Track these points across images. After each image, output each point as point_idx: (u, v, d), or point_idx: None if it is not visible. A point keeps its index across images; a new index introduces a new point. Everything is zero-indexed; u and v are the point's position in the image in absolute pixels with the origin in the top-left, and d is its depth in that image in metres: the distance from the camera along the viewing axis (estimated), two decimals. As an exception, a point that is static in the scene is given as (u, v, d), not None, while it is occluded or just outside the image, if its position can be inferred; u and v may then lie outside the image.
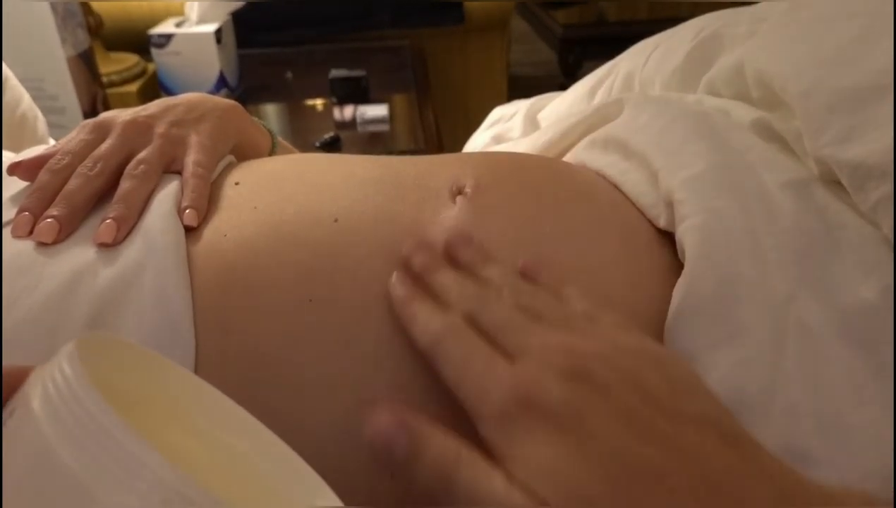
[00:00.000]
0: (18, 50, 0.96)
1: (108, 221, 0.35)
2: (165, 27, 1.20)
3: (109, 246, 0.34)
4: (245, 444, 0.27)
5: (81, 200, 0.36)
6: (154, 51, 1.19)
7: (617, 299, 0.35)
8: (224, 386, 0.31)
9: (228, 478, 0.26)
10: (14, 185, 0.39)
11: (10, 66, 0.70)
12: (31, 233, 0.35)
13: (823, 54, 0.38)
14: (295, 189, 0.38)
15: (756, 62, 0.42)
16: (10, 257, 0.34)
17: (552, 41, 2.28)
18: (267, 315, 0.32)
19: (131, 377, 0.25)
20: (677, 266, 0.36)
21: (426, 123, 1.19)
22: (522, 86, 2.25)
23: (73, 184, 0.37)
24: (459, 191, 0.38)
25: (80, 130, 0.40)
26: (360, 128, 1.16)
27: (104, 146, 0.39)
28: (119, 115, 0.41)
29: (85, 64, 1.08)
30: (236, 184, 0.40)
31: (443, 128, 1.25)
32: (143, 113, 0.42)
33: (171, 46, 1.18)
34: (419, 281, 0.32)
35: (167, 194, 0.37)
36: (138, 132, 0.40)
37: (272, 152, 0.52)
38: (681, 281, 0.34)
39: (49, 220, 0.35)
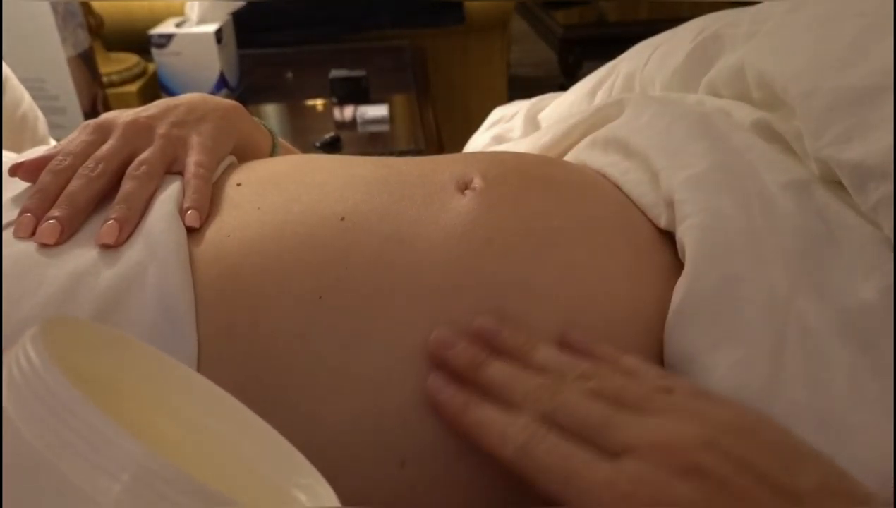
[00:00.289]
0: (19, 50, 0.96)
1: (109, 222, 0.35)
2: (166, 27, 1.20)
3: (111, 246, 0.34)
4: (227, 427, 0.27)
5: (83, 201, 0.36)
6: (154, 51, 1.19)
7: (621, 298, 0.35)
8: (228, 385, 0.31)
9: (211, 461, 0.26)
10: (15, 186, 0.39)
11: (10, 67, 0.70)
12: (33, 233, 0.35)
13: (824, 55, 0.38)
14: (298, 189, 0.38)
15: (757, 63, 0.42)
16: (13, 258, 0.34)
17: (552, 41, 2.28)
18: (274, 314, 0.32)
19: (107, 360, 0.25)
20: (678, 266, 0.36)
21: (426, 123, 1.19)
22: (522, 87, 2.25)
23: (74, 185, 0.37)
24: (466, 186, 0.38)
25: (81, 131, 0.40)
26: (360, 129, 1.16)
27: (105, 147, 0.39)
28: (120, 116, 0.41)
29: (85, 64, 1.08)
30: (238, 185, 0.40)
31: (443, 129, 1.25)
32: (144, 113, 0.42)
33: (172, 46, 1.18)
34: (463, 381, 0.30)
35: (169, 195, 0.37)
36: (139, 133, 0.40)
37: (273, 152, 0.52)
38: (681, 280, 0.34)
39: (51, 221, 0.35)
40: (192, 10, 1.21)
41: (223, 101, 0.46)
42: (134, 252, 0.34)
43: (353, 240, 0.34)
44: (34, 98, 0.74)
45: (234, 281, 0.33)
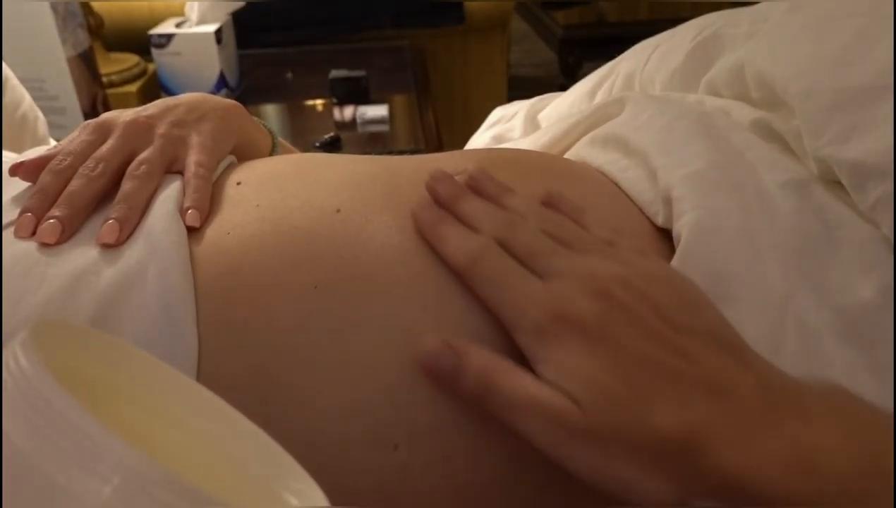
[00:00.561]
0: (19, 50, 0.96)
1: (110, 221, 0.35)
2: (166, 27, 1.20)
3: (112, 246, 0.35)
4: (219, 431, 0.27)
5: (83, 201, 0.36)
6: (154, 51, 1.19)
7: None
8: (227, 379, 0.31)
9: (202, 465, 0.26)
10: (16, 186, 0.39)
11: (10, 67, 0.70)
12: (33, 233, 0.35)
13: (823, 55, 0.38)
14: (296, 186, 0.38)
15: (756, 63, 0.42)
16: (13, 257, 0.34)
17: (552, 42, 2.28)
18: (272, 306, 0.33)
19: (98, 364, 0.25)
20: None
21: (426, 124, 1.19)
22: (522, 87, 2.25)
23: (74, 184, 0.37)
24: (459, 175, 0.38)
25: (81, 131, 0.40)
26: (360, 129, 1.16)
27: (105, 147, 0.39)
28: (120, 116, 0.41)
29: (85, 64, 1.09)
30: (238, 183, 0.40)
31: (443, 129, 1.25)
32: (144, 113, 0.42)
33: (172, 47, 1.18)
34: (445, 205, 0.34)
35: (169, 194, 0.37)
36: (139, 132, 0.40)
37: (273, 152, 0.52)
38: None
39: (51, 221, 0.35)
40: (192, 11, 1.21)
41: (223, 101, 0.46)
42: (134, 251, 0.34)
43: (349, 231, 0.35)
44: (34, 98, 0.74)
45: (234, 277, 0.34)
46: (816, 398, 0.26)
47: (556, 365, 0.27)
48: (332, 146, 1.10)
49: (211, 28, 1.18)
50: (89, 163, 0.38)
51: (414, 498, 0.31)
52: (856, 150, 0.34)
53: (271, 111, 1.28)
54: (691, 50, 0.50)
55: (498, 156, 0.41)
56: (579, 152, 0.47)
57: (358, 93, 1.22)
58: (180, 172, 0.40)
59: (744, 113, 0.44)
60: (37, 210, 0.36)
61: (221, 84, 1.21)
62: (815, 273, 0.34)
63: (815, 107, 0.36)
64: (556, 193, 0.36)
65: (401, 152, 1.09)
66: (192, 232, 0.36)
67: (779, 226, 0.35)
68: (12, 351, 0.20)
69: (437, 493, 0.31)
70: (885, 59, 0.35)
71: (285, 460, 0.26)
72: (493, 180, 0.36)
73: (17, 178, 0.39)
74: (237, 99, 0.98)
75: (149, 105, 0.43)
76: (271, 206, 0.37)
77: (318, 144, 1.09)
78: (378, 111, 1.16)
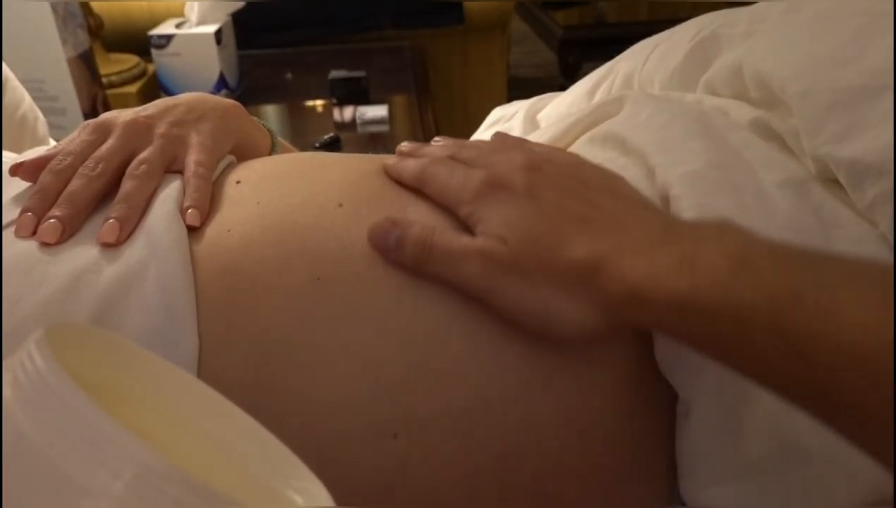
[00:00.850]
0: (19, 51, 0.96)
1: (110, 221, 0.35)
2: (165, 28, 1.20)
3: (112, 245, 0.35)
4: (224, 430, 0.27)
5: (84, 201, 0.37)
6: (154, 52, 1.19)
7: None
8: (228, 375, 0.31)
9: (207, 464, 0.26)
10: (16, 186, 0.39)
11: (10, 67, 0.70)
12: (34, 233, 0.35)
13: (821, 54, 0.38)
14: (297, 183, 0.38)
15: (754, 62, 0.42)
16: (14, 257, 0.34)
17: (552, 42, 2.28)
18: (274, 298, 0.33)
19: (107, 366, 0.25)
20: None
21: (426, 124, 1.19)
22: (522, 87, 2.25)
23: (75, 184, 0.37)
24: None
25: (81, 131, 0.41)
26: (359, 129, 1.16)
27: (105, 146, 0.39)
28: (120, 116, 0.41)
29: (85, 65, 1.09)
30: (238, 182, 0.40)
31: (443, 129, 1.25)
32: (144, 113, 0.42)
33: (172, 47, 1.18)
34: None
35: (169, 194, 0.37)
36: (139, 132, 0.40)
37: (272, 152, 0.52)
38: None
39: (52, 221, 0.35)
40: (192, 11, 1.21)
41: (222, 101, 0.46)
42: (135, 250, 0.34)
43: (351, 224, 0.35)
44: (34, 99, 0.74)
45: (235, 272, 0.34)
46: (709, 228, 0.29)
47: (488, 218, 0.32)
48: (332, 146, 1.10)
49: (211, 29, 1.18)
50: (89, 162, 0.38)
51: (412, 488, 0.32)
52: (853, 149, 0.34)
53: (271, 111, 1.28)
54: (690, 50, 0.50)
55: None
56: (578, 151, 0.47)
57: (358, 94, 1.22)
58: (180, 172, 0.40)
59: (742, 112, 0.44)
60: (37, 209, 0.36)
61: (221, 84, 1.21)
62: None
63: (812, 106, 0.36)
64: (503, 133, 0.41)
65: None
66: (193, 231, 0.36)
67: (777, 224, 0.35)
68: (27, 350, 0.20)
69: (436, 483, 0.32)
70: (883, 59, 0.35)
71: (289, 458, 0.26)
72: (449, 139, 0.41)
73: (17, 178, 0.39)
74: (237, 99, 0.98)
75: (148, 105, 0.43)
76: (272, 204, 0.37)
77: (317, 144, 1.09)
78: (378, 111, 1.17)
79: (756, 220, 0.35)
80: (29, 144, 0.70)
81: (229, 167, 0.43)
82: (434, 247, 0.32)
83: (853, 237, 0.35)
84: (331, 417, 0.32)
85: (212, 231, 0.36)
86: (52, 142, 0.72)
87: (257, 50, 1.44)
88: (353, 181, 0.38)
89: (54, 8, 0.99)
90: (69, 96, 1.06)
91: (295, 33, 1.52)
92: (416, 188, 0.37)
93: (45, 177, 0.38)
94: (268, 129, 0.52)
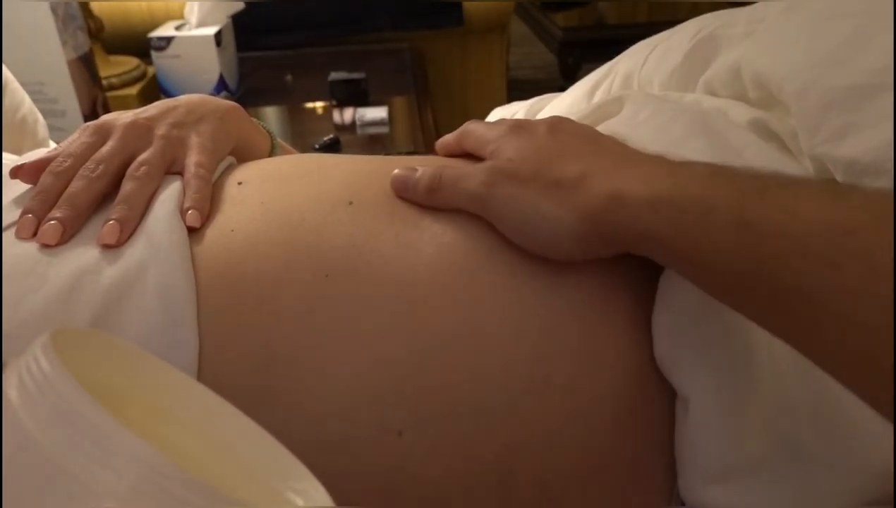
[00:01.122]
0: (19, 53, 0.96)
1: (110, 222, 0.35)
2: (165, 30, 1.21)
3: (112, 247, 0.35)
4: (224, 433, 0.27)
5: (84, 202, 0.37)
6: (154, 54, 1.19)
7: (619, 296, 0.36)
8: (230, 378, 0.32)
9: (209, 466, 0.26)
10: (16, 188, 0.39)
11: (10, 70, 0.70)
12: (34, 234, 0.35)
13: (819, 54, 0.38)
14: (301, 182, 0.38)
15: (753, 62, 0.42)
16: (14, 258, 0.34)
17: (552, 44, 2.28)
18: (281, 293, 0.33)
19: (110, 369, 0.26)
20: None
21: (426, 126, 1.19)
22: (522, 89, 2.25)
23: (75, 186, 0.37)
24: None
25: (81, 133, 0.41)
26: (359, 131, 1.16)
27: (105, 148, 0.39)
28: (120, 117, 0.41)
29: (85, 67, 1.09)
30: (239, 183, 0.40)
31: (442, 131, 1.25)
32: (144, 115, 0.42)
33: (171, 49, 1.18)
34: None
35: (169, 195, 0.37)
36: (139, 134, 0.40)
37: (272, 153, 0.52)
38: (665, 276, 0.35)
39: (52, 222, 0.35)
40: (192, 13, 1.21)
41: (222, 102, 0.46)
42: (136, 251, 0.34)
43: (362, 221, 0.36)
44: (34, 101, 0.74)
45: (239, 272, 0.34)
46: (649, 157, 0.34)
47: (505, 148, 0.37)
48: (332, 148, 1.10)
49: (210, 31, 1.18)
50: (89, 164, 0.38)
51: (415, 484, 0.32)
52: (851, 149, 0.34)
53: (271, 113, 1.28)
54: (689, 50, 0.50)
55: None
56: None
57: (357, 95, 1.23)
58: (180, 173, 0.40)
59: (741, 112, 0.44)
60: (38, 211, 0.36)
61: (221, 86, 1.21)
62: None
63: (810, 105, 0.36)
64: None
65: (400, 154, 1.09)
66: (193, 232, 0.36)
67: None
68: (32, 353, 0.21)
69: (439, 480, 0.32)
70: (881, 58, 0.35)
71: (289, 460, 0.27)
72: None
73: (17, 180, 0.39)
74: (237, 101, 0.98)
75: (148, 106, 0.43)
76: (277, 203, 0.37)
77: (317, 146, 1.09)
78: (377, 113, 1.17)
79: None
80: (29, 146, 0.70)
81: (230, 168, 0.43)
82: (444, 176, 0.36)
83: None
84: (336, 414, 0.32)
85: (214, 232, 0.36)
86: (53, 144, 0.72)
87: (257, 52, 1.45)
88: (362, 179, 0.39)
89: (54, 10, 0.99)
90: (69, 98, 1.06)
91: (295, 35, 1.52)
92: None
93: (45, 178, 0.38)
94: (268, 131, 0.52)
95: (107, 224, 0.35)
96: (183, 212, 0.36)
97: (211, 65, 1.19)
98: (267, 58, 1.46)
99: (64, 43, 1.02)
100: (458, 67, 1.63)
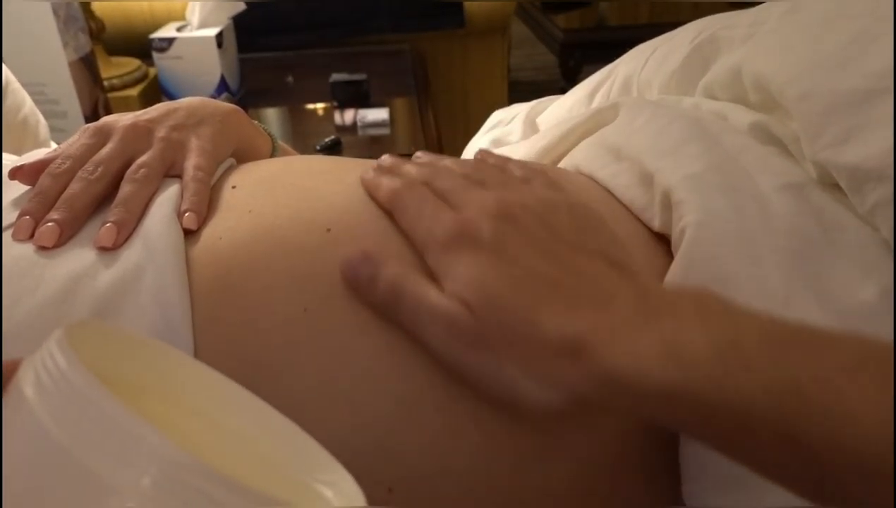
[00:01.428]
0: (20, 54, 0.96)
1: (107, 225, 0.35)
2: (167, 31, 1.21)
3: (109, 249, 0.35)
4: (247, 423, 0.27)
5: (82, 204, 0.37)
6: (155, 55, 1.19)
7: None
8: None
9: (234, 459, 0.26)
10: (15, 189, 0.39)
11: (12, 71, 0.70)
12: (31, 236, 0.35)
13: (820, 57, 0.38)
14: (288, 193, 0.38)
15: (753, 65, 0.42)
16: (11, 260, 0.34)
17: (553, 45, 2.28)
18: (262, 321, 0.32)
19: (127, 362, 0.25)
20: None
21: (426, 127, 1.19)
22: (523, 91, 2.25)
23: (73, 188, 0.37)
24: None
25: (81, 134, 0.41)
26: (360, 132, 1.16)
27: (105, 150, 0.39)
28: (120, 119, 0.41)
29: (86, 68, 1.09)
30: (233, 187, 0.40)
31: (443, 132, 1.25)
32: (144, 117, 0.42)
33: (173, 50, 1.18)
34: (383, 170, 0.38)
35: (167, 198, 0.37)
36: (139, 136, 0.40)
37: (273, 156, 0.52)
38: (668, 279, 0.35)
39: (50, 224, 0.35)
40: (193, 14, 1.21)
41: (223, 105, 0.46)
42: (132, 253, 0.34)
43: (339, 255, 0.34)
44: (35, 102, 0.74)
45: (224, 283, 0.33)
46: (687, 301, 0.27)
47: (454, 276, 0.30)
48: (333, 149, 1.10)
49: (212, 32, 1.18)
50: (88, 166, 0.38)
51: None
52: (853, 154, 0.34)
53: (272, 115, 1.28)
54: (689, 53, 0.50)
55: None
56: (574, 158, 0.47)
57: (358, 97, 1.23)
58: (179, 176, 0.40)
59: (741, 116, 0.44)
60: (35, 213, 0.36)
61: (222, 88, 1.21)
62: (814, 276, 0.34)
63: (811, 110, 0.36)
64: (486, 151, 0.40)
65: (401, 155, 1.09)
66: (188, 235, 0.36)
67: (777, 228, 0.35)
68: (47, 349, 0.20)
69: None
70: (882, 62, 0.35)
71: (317, 451, 0.26)
72: (430, 155, 0.39)
73: (16, 181, 0.39)
74: (238, 103, 0.98)
75: (149, 109, 0.43)
76: (262, 213, 0.36)
77: (318, 147, 1.09)
78: (378, 114, 1.17)
79: (756, 225, 0.35)
80: (30, 147, 0.70)
81: (229, 170, 0.43)
82: (405, 296, 0.30)
83: (855, 241, 0.34)
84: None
85: (205, 237, 0.36)
86: (54, 145, 0.72)
87: (258, 53, 1.45)
88: (344, 202, 0.37)
89: (55, 11, 0.99)
90: (70, 99, 1.06)
91: (296, 36, 1.52)
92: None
93: (43, 180, 0.38)
94: (268, 133, 0.52)
95: (104, 226, 0.35)
96: (180, 215, 0.36)
97: (212, 66, 1.19)
98: (268, 59, 1.46)
99: (65, 44, 1.02)
100: (459, 69, 1.63)
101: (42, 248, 0.35)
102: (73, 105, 1.06)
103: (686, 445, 0.34)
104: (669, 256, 0.37)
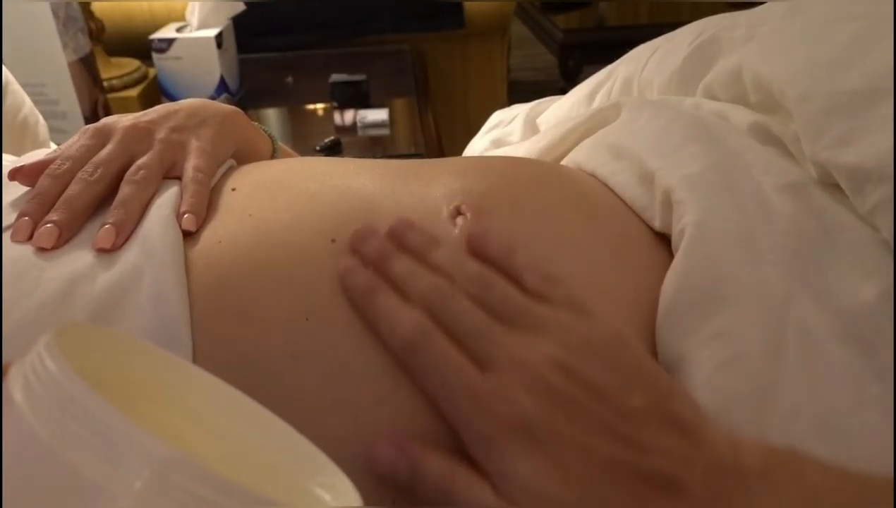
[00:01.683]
0: (20, 54, 0.96)
1: (106, 226, 0.35)
2: (166, 32, 1.21)
3: (108, 251, 0.35)
4: (243, 426, 0.27)
5: (81, 206, 0.36)
6: (155, 55, 1.19)
7: (621, 304, 0.35)
8: None
9: (230, 461, 0.26)
10: (15, 190, 0.39)
11: (11, 71, 0.70)
12: (30, 237, 0.35)
13: (821, 58, 0.38)
14: (290, 198, 0.37)
15: (754, 66, 0.42)
16: (10, 262, 0.34)
17: (552, 46, 2.28)
18: (263, 328, 0.32)
19: (119, 365, 0.25)
20: None
21: (426, 127, 1.19)
22: (522, 91, 2.25)
23: (73, 189, 0.37)
24: (458, 211, 0.37)
25: (80, 135, 0.41)
26: (360, 133, 1.16)
27: (104, 151, 0.39)
28: (120, 121, 0.41)
29: (86, 69, 1.09)
30: (233, 190, 0.40)
31: (443, 133, 1.25)
32: (144, 118, 0.42)
33: (172, 51, 1.18)
34: (374, 268, 0.33)
35: (166, 199, 0.37)
36: (139, 137, 0.40)
37: (273, 157, 0.52)
38: (669, 279, 0.35)
39: (49, 225, 0.35)
40: (193, 15, 1.21)
41: (223, 107, 0.46)
42: (131, 255, 0.34)
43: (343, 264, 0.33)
44: (35, 103, 0.74)
45: (223, 288, 0.33)
46: (760, 473, 0.27)
47: (505, 476, 0.27)
48: (333, 150, 1.10)
49: (211, 32, 1.18)
50: (88, 167, 0.38)
51: None
52: (854, 154, 0.34)
53: (272, 115, 1.28)
54: (689, 53, 0.50)
55: (493, 179, 0.40)
56: (575, 157, 0.47)
57: (358, 97, 1.23)
58: (179, 177, 0.40)
59: (742, 116, 0.44)
60: (34, 214, 0.36)
61: (222, 88, 1.21)
62: (814, 276, 0.34)
63: (812, 110, 0.36)
64: (480, 236, 0.34)
65: (400, 156, 1.09)
66: (187, 238, 0.36)
67: (778, 228, 0.35)
68: (36, 352, 0.20)
69: None
70: (883, 62, 0.35)
71: (313, 454, 0.26)
72: (415, 230, 0.34)
73: (15, 182, 0.39)
74: (238, 103, 0.98)
75: (149, 110, 0.43)
76: (263, 218, 0.36)
77: (318, 148, 1.09)
78: (378, 115, 1.17)
79: (756, 224, 0.35)
80: (30, 148, 0.70)
81: (228, 172, 0.43)
82: (454, 498, 0.27)
83: (856, 241, 0.34)
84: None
85: (204, 240, 0.36)
86: (53, 146, 0.72)
87: (258, 54, 1.45)
88: (349, 208, 0.36)
89: (55, 12, 0.99)
90: (70, 100, 1.06)
91: (296, 37, 1.52)
92: (417, 215, 0.35)
93: (43, 181, 0.38)
94: (269, 135, 0.52)
95: (103, 228, 0.35)
96: (179, 216, 0.36)
97: (212, 67, 1.19)
98: (268, 59, 1.46)
99: (65, 45, 1.02)
100: (459, 69, 1.63)
101: (41, 249, 0.35)
102: (72, 106, 1.06)
103: None
104: (671, 255, 0.37)
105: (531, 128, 0.65)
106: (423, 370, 0.30)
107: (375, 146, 1.13)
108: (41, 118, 0.74)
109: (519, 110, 0.67)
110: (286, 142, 0.71)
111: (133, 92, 1.24)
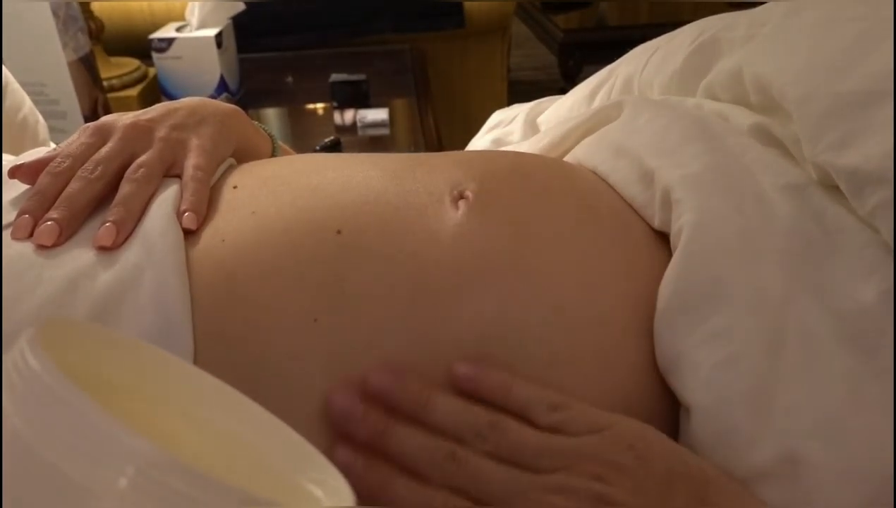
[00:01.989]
0: (20, 54, 0.96)
1: (107, 225, 0.35)
2: (166, 32, 1.21)
3: (108, 249, 0.34)
4: (236, 423, 0.27)
5: (81, 203, 0.36)
6: (155, 55, 1.19)
7: (619, 298, 0.35)
8: None
9: (222, 458, 0.26)
10: (15, 189, 0.39)
11: (11, 71, 0.70)
12: (30, 235, 0.35)
13: (821, 59, 0.38)
14: (293, 193, 0.37)
15: (754, 67, 0.42)
16: (10, 259, 0.34)
17: (552, 45, 2.28)
18: (269, 329, 0.32)
19: (106, 362, 0.25)
20: None
21: (426, 127, 1.19)
22: (523, 91, 2.25)
23: (73, 187, 0.37)
24: (461, 195, 0.38)
25: (80, 134, 0.41)
26: (360, 132, 1.16)
27: (105, 149, 0.39)
28: (120, 119, 0.41)
29: (86, 68, 1.09)
30: (234, 187, 0.40)
31: (443, 132, 1.25)
32: (144, 117, 0.42)
33: (172, 51, 1.18)
34: (373, 451, 0.30)
35: (166, 197, 0.37)
36: (139, 136, 0.40)
37: (273, 156, 0.52)
38: (667, 279, 0.35)
39: (49, 223, 0.35)
40: (193, 15, 1.21)
41: (223, 105, 0.46)
42: (131, 254, 0.34)
43: (351, 260, 0.33)
44: (35, 102, 0.74)
45: (228, 287, 0.33)
46: None
47: None
48: (333, 149, 1.10)
49: (211, 32, 1.18)
50: (88, 165, 0.38)
51: None
52: (853, 156, 0.34)
53: (272, 115, 1.28)
54: (689, 53, 0.50)
55: (497, 168, 0.40)
56: (576, 154, 0.47)
57: (358, 97, 1.23)
58: (179, 176, 0.40)
59: (742, 117, 0.43)
60: (35, 212, 0.36)
61: (222, 88, 1.21)
62: (814, 277, 0.34)
63: (812, 112, 0.36)
64: (472, 378, 0.32)
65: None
66: (188, 236, 0.36)
67: (777, 229, 0.35)
68: (19, 349, 0.20)
69: None
70: (883, 64, 0.35)
71: (306, 450, 0.26)
72: (399, 385, 0.31)
73: (15, 180, 0.39)
74: (238, 103, 0.98)
75: (149, 109, 0.43)
76: (267, 215, 0.36)
77: (318, 148, 1.09)
78: (378, 115, 1.17)
79: (756, 225, 0.35)
80: (30, 147, 0.70)
81: (228, 170, 0.43)
82: None
83: (855, 243, 0.34)
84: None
85: (206, 238, 0.36)
86: (53, 146, 0.72)
87: (258, 53, 1.44)
88: (354, 198, 0.36)
89: (55, 11, 0.99)
90: (70, 100, 1.05)
91: (295, 37, 1.52)
92: (419, 211, 0.35)
93: (43, 179, 0.38)
94: (269, 134, 0.52)
95: (103, 226, 0.35)
96: (179, 215, 0.36)
97: (212, 66, 1.19)
98: (268, 59, 1.46)
99: (64, 44, 1.02)
100: (459, 69, 1.63)
101: (41, 247, 0.35)
102: (72, 105, 1.06)
103: (684, 445, 0.34)
104: (671, 254, 0.37)
105: (531, 127, 0.65)
106: None
107: (375, 146, 1.13)
108: (41, 118, 0.74)
109: (519, 110, 0.67)
110: (286, 141, 0.72)
111: (133, 91, 1.24)
